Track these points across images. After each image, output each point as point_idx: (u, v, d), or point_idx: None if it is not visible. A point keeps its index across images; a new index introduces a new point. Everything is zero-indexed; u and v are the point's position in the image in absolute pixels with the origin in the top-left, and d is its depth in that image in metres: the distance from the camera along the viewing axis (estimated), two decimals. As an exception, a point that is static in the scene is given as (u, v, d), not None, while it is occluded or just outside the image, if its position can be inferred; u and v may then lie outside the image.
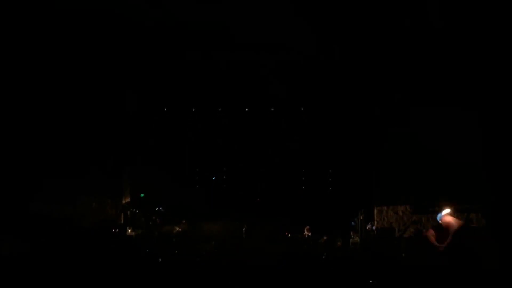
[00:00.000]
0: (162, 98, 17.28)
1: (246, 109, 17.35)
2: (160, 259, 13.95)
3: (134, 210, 18.30)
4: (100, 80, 16.08)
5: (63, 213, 16.18)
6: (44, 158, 15.99)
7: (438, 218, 10.70)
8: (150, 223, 18.05)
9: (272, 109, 17.30)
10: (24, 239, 13.79)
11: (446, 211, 10.97)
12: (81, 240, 14.80)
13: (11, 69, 15.04)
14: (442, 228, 11.05)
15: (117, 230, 16.96)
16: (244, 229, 17.02)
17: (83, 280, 12.05)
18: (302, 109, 17.25)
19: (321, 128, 17.50)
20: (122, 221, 17.75)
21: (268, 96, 16.80)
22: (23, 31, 14.30)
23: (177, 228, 17.34)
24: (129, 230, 17.30)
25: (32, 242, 13.78)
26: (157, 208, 18.54)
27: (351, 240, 16.14)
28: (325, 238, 16.23)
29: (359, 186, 17.85)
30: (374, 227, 16.71)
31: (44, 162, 15.99)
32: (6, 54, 14.63)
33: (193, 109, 17.55)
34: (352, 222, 16.85)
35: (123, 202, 18.15)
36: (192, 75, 16.32)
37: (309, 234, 16.68)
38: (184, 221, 17.64)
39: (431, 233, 10.82)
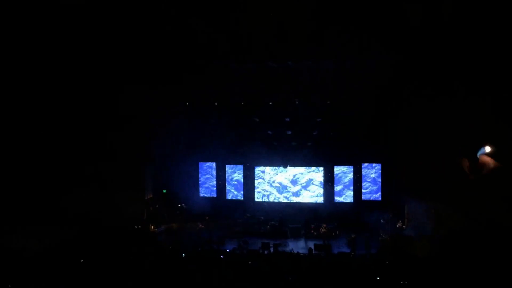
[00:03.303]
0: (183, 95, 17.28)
1: (270, 103, 16.81)
2: (183, 255, 13.44)
3: (157, 206, 18.24)
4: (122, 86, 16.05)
5: (87, 210, 15.99)
6: (73, 158, 16.12)
7: (478, 154, 10.90)
8: (173, 219, 17.90)
9: (297, 102, 16.69)
10: (54, 233, 14.07)
11: (487, 149, 11.11)
12: (105, 236, 14.64)
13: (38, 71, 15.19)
14: (478, 163, 11.28)
15: (140, 226, 16.78)
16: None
17: (108, 274, 11.74)
18: (329, 101, 16.63)
19: (350, 126, 17.12)
20: (145, 217, 17.56)
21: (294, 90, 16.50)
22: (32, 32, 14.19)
23: (200, 225, 16.96)
24: (152, 227, 17.10)
25: (60, 236, 14.04)
26: (179, 204, 18.48)
27: (380, 238, 15.53)
28: (353, 236, 15.43)
29: (389, 183, 17.53)
30: (404, 225, 16.19)
31: (72, 162, 16.12)
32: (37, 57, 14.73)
33: (216, 103, 17.15)
34: (382, 220, 16.38)
35: (146, 198, 18.00)
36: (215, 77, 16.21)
37: (325, 231, 16.41)
38: (207, 217, 17.13)
39: (465, 161, 11.21)
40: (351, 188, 18.27)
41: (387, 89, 15.84)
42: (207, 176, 19.40)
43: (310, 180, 18.70)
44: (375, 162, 18.00)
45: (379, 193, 18.01)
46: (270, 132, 17.83)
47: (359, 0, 12.97)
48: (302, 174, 18.69)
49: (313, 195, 18.60)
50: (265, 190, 19.01)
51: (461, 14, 12.85)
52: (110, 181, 16.26)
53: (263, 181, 19.02)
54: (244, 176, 19.09)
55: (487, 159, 11.97)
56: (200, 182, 19.34)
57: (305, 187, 18.68)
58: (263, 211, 18.09)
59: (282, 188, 18.85)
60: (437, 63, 14.27)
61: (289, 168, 18.41)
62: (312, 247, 14.45)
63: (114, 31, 13.98)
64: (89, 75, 15.37)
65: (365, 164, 18.16)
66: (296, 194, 18.76)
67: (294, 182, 18.77)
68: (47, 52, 14.42)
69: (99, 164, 16.18)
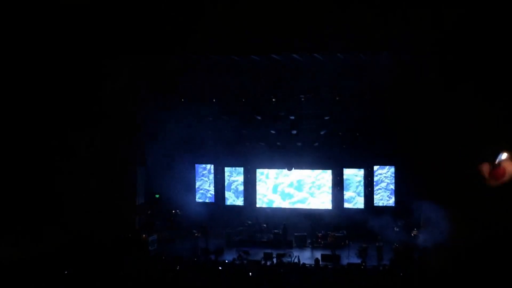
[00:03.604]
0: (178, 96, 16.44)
1: (273, 99, 15.88)
2: (178, 267, 12.51)
3: (149, 212, 17.49)
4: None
5: (73, 216, 14.79)
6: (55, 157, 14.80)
7: (497, 159, 10.09)
8: (167, 227, 17.17)
9: (303, 99, 15.78)
10: (39, 242, 13.23)
11: (505, 154, 10.78)
12: (92, 247, 13.62)
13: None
14: (499, 169, 10.76)
15: (130, 235, 15.60)
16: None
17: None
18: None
19: (361, 125, 16.49)
20: (136, 225, 16.61)
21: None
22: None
23: (196, 233, 15.94)
24: (144, 235, 15.80)
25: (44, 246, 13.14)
26: (174, 211, 17.70)
27: (393, 248, 14.58)
28: (364, 245, 14.81)
29: (404, 187, 16.84)
30: (420, 234, 15.12)
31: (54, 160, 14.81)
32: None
33: (214, 100, 16.24)
34: (395, 228, 15.72)
35: (137, 204, 17.02)
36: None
37: (333, 240, 15.79)
38: (204, 225, 16.24)
39: (486, 166, 10.91)
40: (362, 193, 17.44)
41: (400, 85, 15.01)
42: (204, 179, 18.65)
43: (317, 184, 17.90)
44: (388, 165, 17.18)
45: (393, 198, 17.13)
46: (273, 132, 17.00)
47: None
48: (308, 177, 17.91)
49: (320, 200, 17.79)
50: (267, 195, 18.22)
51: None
52: (98, 184, 14.92)
53: (266, 185, 18.21)
54: (245, 180, 18.35)
55: (508, 164, 11.19)
56: (196, 186, 18.58)
57: (311, 192, 17.91)
58: (265, 218, 17.38)
59: (286, 193, 18.05)
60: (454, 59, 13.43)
61: (294, 170, 17.49)
62: (319, 257, 13.81)
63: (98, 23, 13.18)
64: (76, 72, 14.25)
65: (377, 167, 17.31)
66: (302, 199, 17.95)
67: (299, 186, 17.97)
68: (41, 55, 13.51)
69: (87, 166, 14.94)
